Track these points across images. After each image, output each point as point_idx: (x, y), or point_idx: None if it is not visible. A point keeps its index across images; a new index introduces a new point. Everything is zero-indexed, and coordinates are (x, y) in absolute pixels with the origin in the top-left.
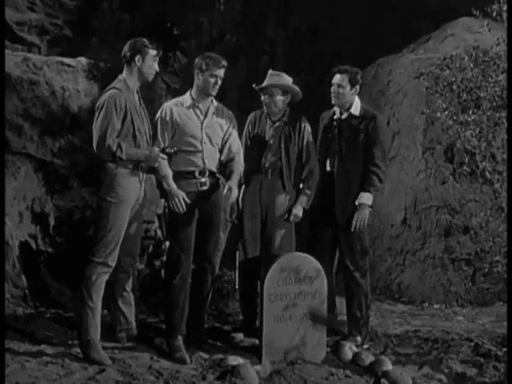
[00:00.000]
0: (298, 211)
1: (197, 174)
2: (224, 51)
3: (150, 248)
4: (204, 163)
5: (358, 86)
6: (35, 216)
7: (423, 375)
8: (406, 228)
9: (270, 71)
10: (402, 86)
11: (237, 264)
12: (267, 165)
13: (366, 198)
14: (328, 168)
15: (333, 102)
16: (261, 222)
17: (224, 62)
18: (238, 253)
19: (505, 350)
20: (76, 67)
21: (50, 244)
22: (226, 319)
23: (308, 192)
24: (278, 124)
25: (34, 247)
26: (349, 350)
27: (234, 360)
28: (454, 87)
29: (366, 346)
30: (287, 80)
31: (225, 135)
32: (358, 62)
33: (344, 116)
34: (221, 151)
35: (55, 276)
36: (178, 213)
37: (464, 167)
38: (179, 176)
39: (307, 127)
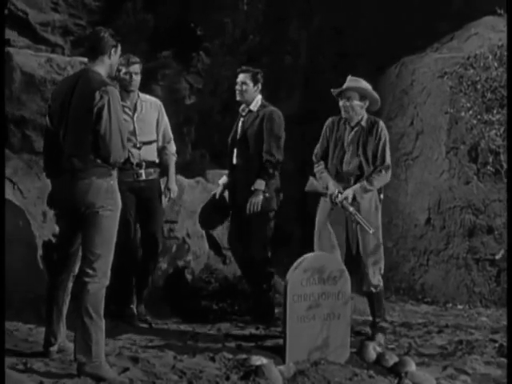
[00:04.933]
0: (348, 194)
1: (134, 165)
2: (247, 51)
3: (174, 248)
4: (140, 155)
5: (259, 85)
6: None
7: (447, 376)
8: (429, 228)
9: (350, 76)
10: (426, 86)
11: None
12: (348, 171)
13: (259, 184)
14: (234, 161)
15: (237, 98)
16: (345, 229)
17: (134, 59)
18: None
19: None
20: None
21: None
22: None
23: (368, 186)
24: (356, 129)
25: None
26: (373, 350)
27: (258, 360)
28: (479, 86)
29: (391, 347)
30: (366, 85)
31: (158, 125)
32: (382, 62)
33: (244, 113)
34: (157, 140)
35: None
36: None
37: (488, 167)
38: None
39: (383, 130)
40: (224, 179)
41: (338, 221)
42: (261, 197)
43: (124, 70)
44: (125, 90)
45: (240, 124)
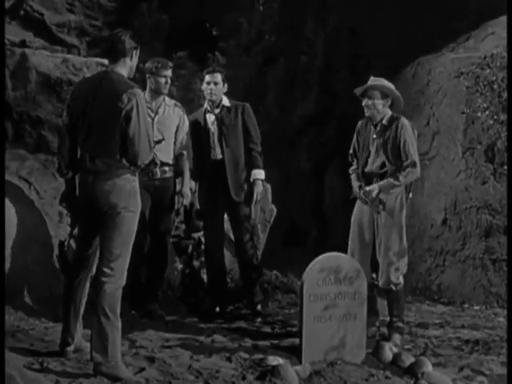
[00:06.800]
0: (374, 188)
1: (149, 165)
2: (263, 51)
3: (190, 248)
4: (155, 155)
5: (226, 85)
6: None
7: (464, 377)
8: (446, 228)
9: (372, 77)
10: (442, 86)
11: None
12: (372, 170)
13: (259, 173)
14: (219, 156)
15: (208, 97)
16: (372, 228)
17: (171, 64)
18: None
19: None
20: None
21: None
22: (265, 319)
23: (393, 182)
24: (378, 128)
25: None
26: (389, 350)
27: (274, 360)
28: (495, 86)
29: (407, 347)
30: (387, 84)
31: (177, 130)
32: (398, 62)
33: (217, 110)
34: (174, 143)
35: None
36: None
37: (505, 167)
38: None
39: (405, 128)
40: (192, 184)
41: (369, 221)
42: (262, 185)
43: (162, 72)
44: (156, 91)
45: (211, 120)
